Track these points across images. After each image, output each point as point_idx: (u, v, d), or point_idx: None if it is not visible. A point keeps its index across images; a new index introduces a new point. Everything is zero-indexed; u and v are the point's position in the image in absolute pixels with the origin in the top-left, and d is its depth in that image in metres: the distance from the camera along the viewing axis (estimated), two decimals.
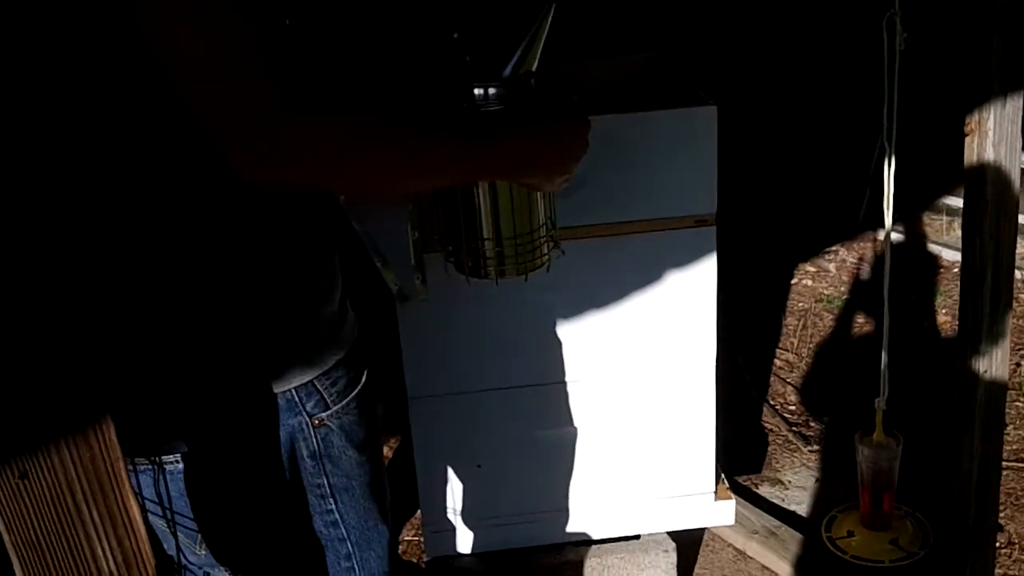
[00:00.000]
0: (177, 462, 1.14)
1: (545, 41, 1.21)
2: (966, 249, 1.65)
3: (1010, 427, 2.75)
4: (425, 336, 1.93)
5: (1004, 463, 2.53)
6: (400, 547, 2.48)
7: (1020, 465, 2.61)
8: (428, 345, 1.95)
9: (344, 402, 1.23)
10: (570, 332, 1.95)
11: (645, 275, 1.92)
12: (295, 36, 1.05)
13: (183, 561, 1.21)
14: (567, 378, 1.99)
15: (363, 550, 1.33)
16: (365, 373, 1.29)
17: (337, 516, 1.28)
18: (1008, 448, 2.65)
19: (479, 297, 1.90)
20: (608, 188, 1.84)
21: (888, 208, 1.82)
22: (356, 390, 1.25)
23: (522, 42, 1.20)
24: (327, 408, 1.21)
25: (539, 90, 1.22)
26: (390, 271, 1.33)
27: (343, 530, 1.29)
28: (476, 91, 1.17)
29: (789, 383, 3.07)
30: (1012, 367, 3.03)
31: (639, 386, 2.01)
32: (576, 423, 2.03)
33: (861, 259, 3.82)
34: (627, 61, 1.93)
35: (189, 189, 1.04)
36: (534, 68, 1.21)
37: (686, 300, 1.94)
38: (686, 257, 1.91)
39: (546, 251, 1.30)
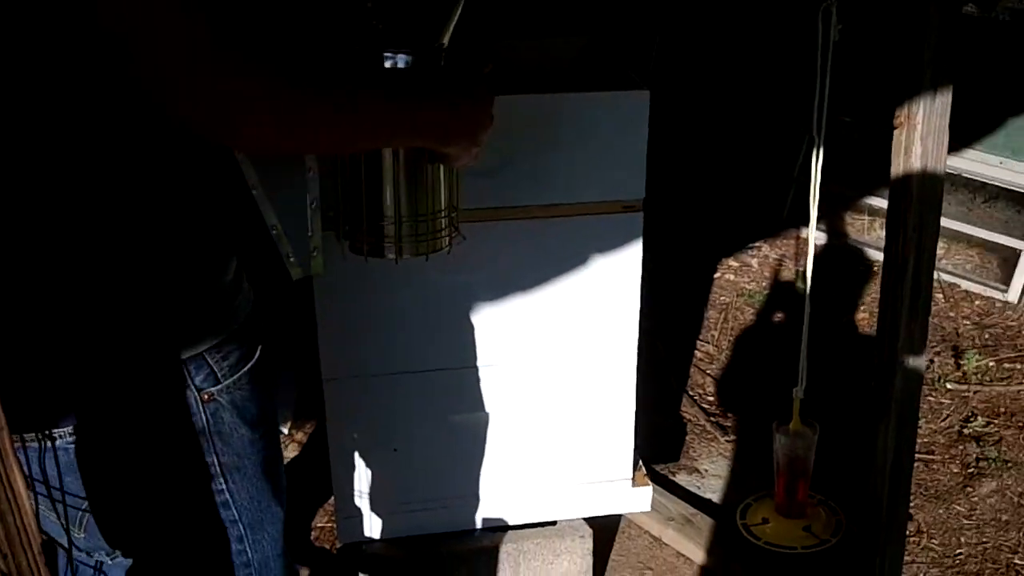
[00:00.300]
0: (65, 436, 1.08)
1: (459, 19, 1.19)
2: (889, 240, 1.66)
3: (922, 421, 2.80)
4: (341, 317, 1.88)
5: (915, 455, 2.59)
6: (313, 533, 2.43)
7: (930, 457, 2.66)
8: (344, 326, 1.89)
9: (235, 376, 1.17)
10: (491, 315, 1.92)
11: (570, 259, 1.89)
12: None
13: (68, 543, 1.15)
14: (487, 362, 1.95)
15: (255, 531, 1.27)
16: (259, 348, 1.23)
17: (228, 496, 1.22)
18: (919, 441, 2.69)
19: (398, 278, 1.85)
20: (536, 169, 1.81)
21: (814, 200, 1.82)
22: (249, 365, 1.20)
23: (436, 16, 1.17)
24: (217, 383, 1.15)
25: (450, 63, 1.18)
26: (286, 242, 1.27)
27: (234, 511, 1.23)
28: (386, 56, 1.13)
29: (708, 374, 3.09)
30: (927, 364, 3.10)
31: (559, 371, 1.98)
32: (495, 408, 1.99)
33: (783, 255, 3.86)
34: (564, 44, 1.89)
35: (72, 151, 0.97)
36: (445, 42, 1.18)
37: (610, 286, 1.92)
38: (612, 242, 1.88)
39: (447, 234, 1.26)
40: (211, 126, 0.93)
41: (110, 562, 1.21)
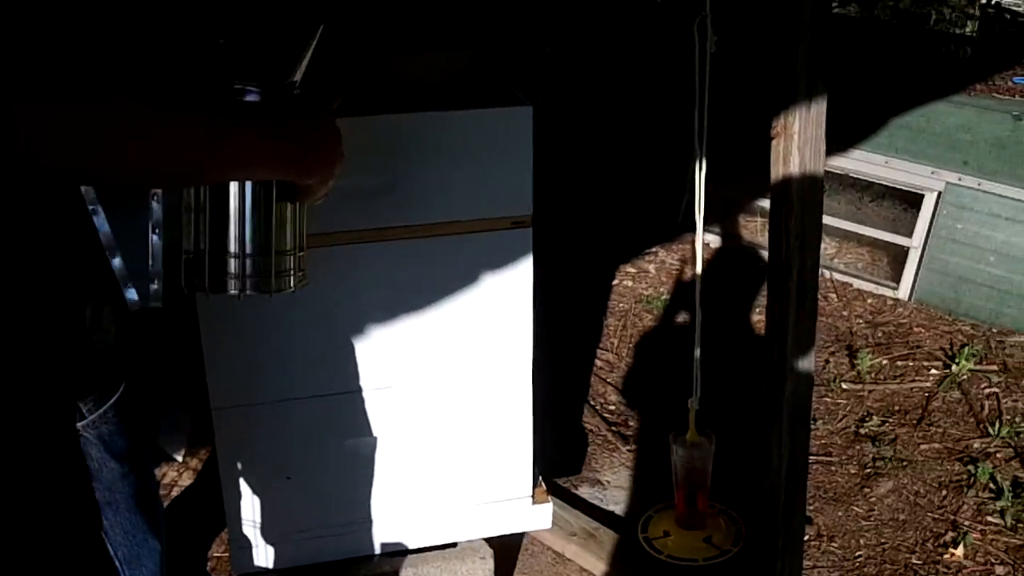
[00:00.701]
0: None
1: (312, 56, 1.16)
2: (772, 249, 1.67)
3: (819, 422, 2.84)
4: (228, 342, 1.82)
5: (812, 457, 2.62)
6: (209, 564, 2.36)
7: (828, 459, 2.70)
8: (231, 352, 1.84)
9: (100, 411, 1.14)
10: (382, 337, 1.88)
11: (460, 277, 1.87)
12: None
13: None
14: (380, 384, 1.91)
15: (132, 567, 1.24)
16: (124, 382, 1.20)
17: (101, 532, 1.18)
18: (816, 442, 2.74)
19: (284, 302, 1.79)
20: (422, 188, 1.78)
21: (699, 209, 1.83)
22: (114, 398, 1.17)
23: (290, 53, 1.14)
24: (82, 418, 1.12)
25: (300, 98, 1.15)
26: (124, 271, 1.22)
27: (109, 547, 1.20)
28: (235, 88, 1.09)
29: (609, 383, 3.09)
30: (821, 364, 3.15)
31: (454, 391, 1.95)
32: (389, 430, 1.96)
33: (681, 260, 3.89)
34: (450, 58, 1.87)
35: None
36: (297, 78, 1.14)
37: (501, 302, 1.90)
38: (502, 258, 1.86)
39: (293, 274, 1.23)
40: (35, 153, 0.87)
41: None
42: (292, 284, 1.23)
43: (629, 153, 4.33)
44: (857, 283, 3.72)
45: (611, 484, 2.62)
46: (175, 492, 2.56)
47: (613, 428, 2.86)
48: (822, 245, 1.78)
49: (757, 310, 3.48)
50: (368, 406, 1.93)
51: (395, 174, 1.77)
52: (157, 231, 1.20)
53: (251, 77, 1.10)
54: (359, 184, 1.74)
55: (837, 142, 3.62)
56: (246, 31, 1.24)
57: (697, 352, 1.97)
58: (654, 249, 3.96)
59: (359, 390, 1.91)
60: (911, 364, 3.17)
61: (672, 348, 3.27)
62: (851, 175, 3.78)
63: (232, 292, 1.18)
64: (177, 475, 2.63)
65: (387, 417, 1.95)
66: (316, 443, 1.94)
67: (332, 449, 1.95)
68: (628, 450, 2.75)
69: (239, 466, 1.94)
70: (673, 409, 2.62)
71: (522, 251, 1.87)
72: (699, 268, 1.87)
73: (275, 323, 1.83)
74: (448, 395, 1.95)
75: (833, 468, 2.67)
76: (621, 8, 4.54)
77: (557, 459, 2.64)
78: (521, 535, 2.34)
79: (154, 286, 1.19)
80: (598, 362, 3.21)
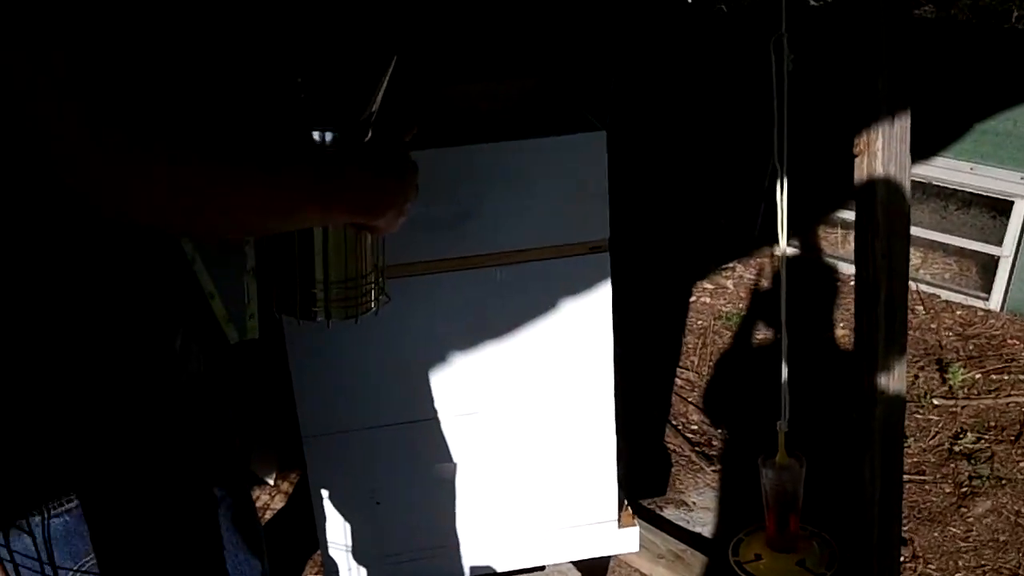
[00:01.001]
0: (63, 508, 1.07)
1: (386, 89, 1.19)
2: (859, 269, 1.65)
3: (910, 439, 2.78)
4: (318, 372, 1.86)
5: (906, 475, 2.56)
6: None
7: (921, 477, 2.64)
8: (321, 381, 1.88)
9: None
10: (465, 364, 1.90)
11: (539, 303, 1.88)
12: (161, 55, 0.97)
13: None
14: (465, 410, 1.93)
15: None
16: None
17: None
18: (909, 461, 2.68)
19: (371, 331, 1.84)
20: (499, 216, 1.80)
21: (782, 229, 1.81)
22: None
23: (366, 83, 1.16)
24: None
25: (377, 134, 1.18)
26: (221, 307, 1.27)
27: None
28: (314, 134, 1.13)
29: (690, 402, 3.07)
30: (911, 379, 3.08)
31: (538, 416, 1.96)
32: (476, 455, 1.97)
33: (759, 274, 3.85)
34: (518, 84, 1.89)
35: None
36: (374, 111, 1.17)
37: (582, 327, 1.90)
38: (580, 284, 1.87)
39: (375, 297, 1.28)
40: (114, 206, 0.88)
41: None
42: (373, 306, 1.27)
43: (703, 167, 4.30)
44: (945, 294, 3.63)
45: (696, 505, 2.60)
46: (268, 515, 2.61)
47: (696, 448, 2.83)
48: None
49: (840, 324, 3.42)
50: (454, 432, 1.95)
51: (471, 203, 1.79)
52: (251, 270, 1.24)
53: (328, 120, 1.13)
54: (437, 214, 1.77)
55: (920, 149, 3.55)
56: (321, 67, 1.27)
57: (785, 373, 1.95)
58: (731, 264, 3.92)
59: (445, 416, 1.93)
60: (1006, 378, 3.08)
61: (753, 365, 3.23)
62: (935, 183, 3.69)
63: (319, 319, 1.22)
64: (269, 498, 2.68)
65: (473, 442, 1.96)
66: (404, 469, 1.96)
67: (420, 474, 1.97)
68: (712, 470, 2.73)
69: (330, 492, 1.97)
70: (756, 427, 2.60)
71: (600, 275, 1.88)
72: (783, 288, 1.85)
73: (361, 352, 1.86)
74: (532, 420, 1.96)
75: (927, 487, 2.61)
76: (690, 25, 4.52)
77: (641, 480, 2.62)
78: (608, 558, 2.34)
79: (252, 322, 1.24)
80: (678, 381, 3.19)
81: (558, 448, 1.99)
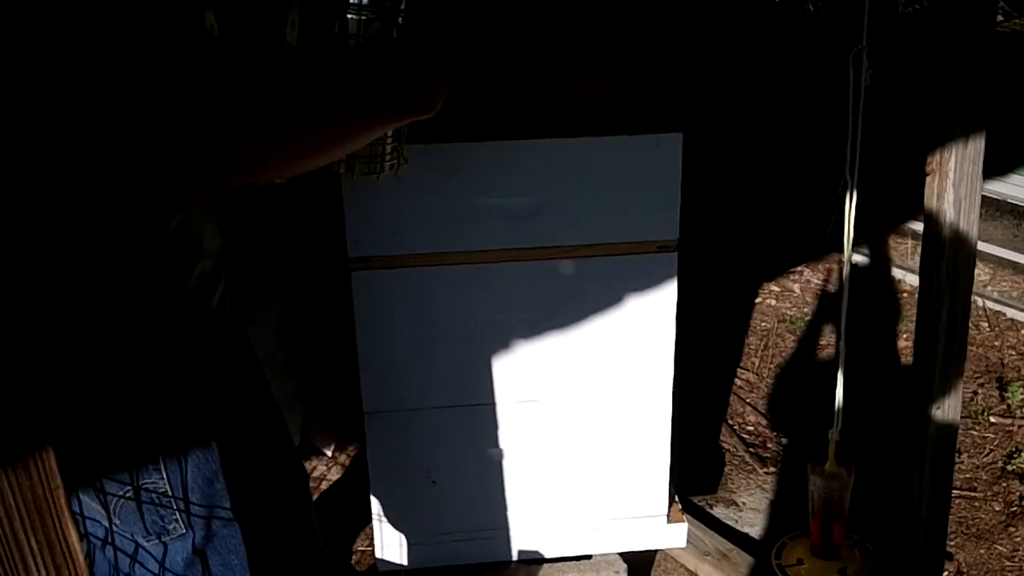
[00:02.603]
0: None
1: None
2: (923, 286, 1.66)
3: (964, 455, 2.77)
4: (381, 351, 1.93)
5: (956, 491, 2.56)
6: (353, 557, 2.47)
7: (971, 494, 2.63)
8: (385, 358, 1.94)
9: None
10: (528, 352, 1.95)
11: (605, 298, 1.92)
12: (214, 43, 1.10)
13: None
14: (524, 397, 1.98)
15: None
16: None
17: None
18: (961, 477, 2.67)
19: (437, 312, 1.90)
20: (572, 210, 1.85)
21: (848, 242, 1.82)
22: None
23: None
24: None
25: (411, 8, 1.27)
26: None
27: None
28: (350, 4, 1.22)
29: (748, 403, 3.08)
30: (969, 395, 3.06)
31: (595, 408, 2.00)
32: (532, 442, 2.02)
33: (826, 280, 3.84)
34: (597, 82, 1.93)
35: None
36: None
37: (645, 325, 1.94)
38: (647, 282, 1.91)
39: (393, 159, 1.37)
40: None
41: (146, 543, 1.27)
42: (390, 168, 1.38)
43: (776, 169, 4.28)
44: (1011, 312, 3.59)
45: (746, 506, 2.62)
46: (324, 486, 2.68)
47: (751, 449, 2.85)
48: (975, 271, 1.75)
49: (904, 336, 3.41)
50: (512, 418, 2.00)
51: (546, 197, 1.83)
52: None
53: None
54: (512, 205, 1.82)
55: (994, 166, 3.50)
56: None
57: (840, 382, 1.97)
58: (799, 268, 3.90)
59: (505, 402, 1.98)
60: None
61: (814, 371, 3.23)
62: (1009, 200, 3.65)
63: (341, 172, 1.35)
64: (326, 469, 2.75)
65: (530, 429, 2.01)
66: (461, 450, 2.02)
67: (476, 457, 2.03)
68: (765, 472, 2.75)
69: (386, 468, 2.03)
70: (813, 434, 2.59)
71: (667, 275, 1.91)
72: (845, 300, 1.87)
73: (426, 333, 1.92)
74: (589, 411, 2.01)
75: (977, 504, 2.60)
76: (768, 28, 4.49)
77: (693, 477, 2.65)
78: (655, 551, 2.37)
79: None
80: (738, 381, 3.20)
81: (613, 441, 2.04)
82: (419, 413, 1.99)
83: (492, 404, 1.98)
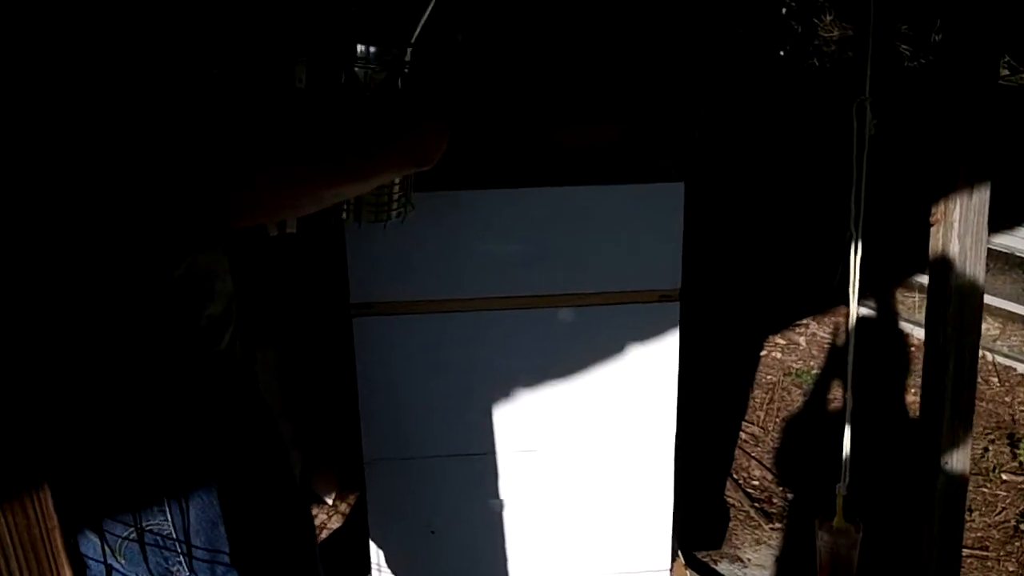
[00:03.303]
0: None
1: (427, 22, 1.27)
2: (929, 337, 1.64)
3: (975, 513, 2.73)
4: (382, 400, 1.91)
5: (968, 550, 2.52)
6: None
7: (983, 553, 2.59)
8: (387, 407, 1.92)
9: None
10: (528, 401, 1.92)
11: (607, 347, 1.90)
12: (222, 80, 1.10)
13: None
14: (524, 447, 1.96)
15: None
16: None
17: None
18: (972, 535, 2.63)
19: (439, 359, 1.88)
20: (573, 258, 1.84)
21: (853, 295, 1.80)
22: None
23: (409, 14, 1.26)
24: None
25: (416, 61, 1.27)
26: None
27: None
28: (358, 47, 1.21)
29: (754, 457, 3.05)
30: (980, 452, 3.02)
31: (596, 458, 1.98)
32: (532, 493, 1.99)
33: (833, 333, 3.81)
34: (601, 130, 1.93)
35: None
36: (412, 41, 1.26)
37: (647, 374, 1.92)
38: (649, 331, 1.89)
39: (400, 206, 1.37)
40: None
41: None
42: (397, 215, 1.37)
43: (781, 222, 4.28)
44: (1022, 368, 3.55)
45: (751, 562, 2.58)
46: (324, 535, 2.65)
47: (756, 504, 2.81)
48: (984, 326, 1.73)
49: (912, 390, 3.37)
50: (513, 468, 1.97)
51: (548, 244, 1.83)
52: None
53: (373, 36, 1.21)
54: (512, 252, 1.81)
55: (1002, 219, 3.50)
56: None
57: (847, 435, 1.93)
58: (805, 321, 3.88)
59: (504, 451, 1.96)
60: None
61: (821, 425, 3.20)
62: (1017, 254, 3.63)
63: (345, 219, 1.34)
64: (327, 518, 2.73)
65: (530, 480, 1.98)
66: (461, 500, 1.99)
67: (476, 507, 2.00)
68: (771, 528, 2.71)
69: (386, 516, 2.01)
70: (820, 489, 2.56)
71: (669, 324, 1.89)
72: (851, 352, 1.84)
73: (428, 381, 1.90)
74: (590, 462, 1.98)
75: (989, 564, 2.55)
76: (769, 80, 4.52)
77: (697, 532, 2.61)
78: None
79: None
80: (743, 435, 3.17)
81: (614, 493, 2.00)
82: (420, 461, 1.96)
83: (492, 453, 1.96)
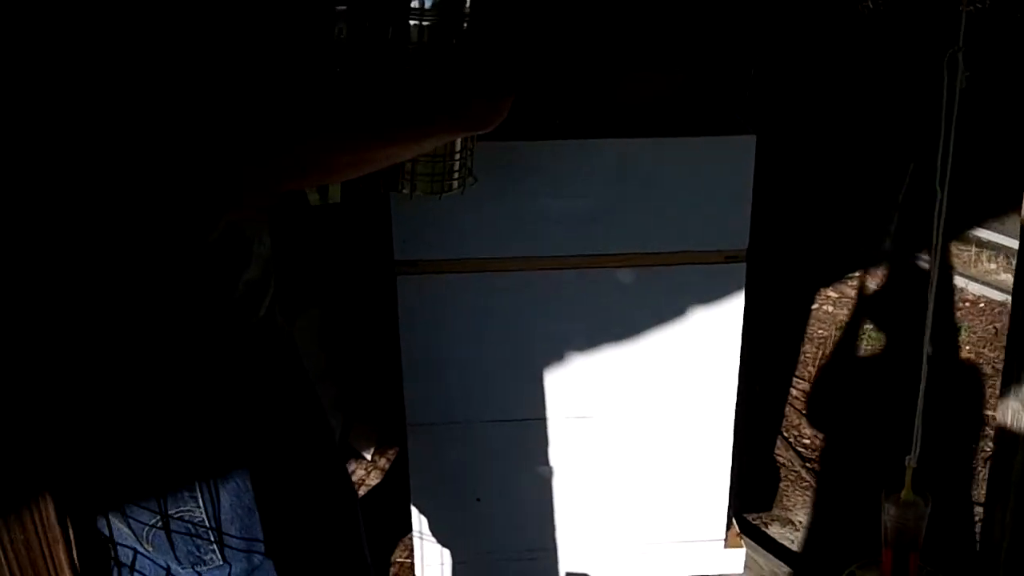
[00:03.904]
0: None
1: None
2: (1015, 304, 1.52)
3: None
4: (427, 362, 1.83)
5: None
6: (392, 569, 2.38)
7: None
8: (431, 370, 1.85)
9: None
10: (583, 365, 1.84)
11: (667, 310, 1.81)
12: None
13: None
14: (578, 413, 1.88)
15: None
16: None
17: None
18: None
19: (487, 321, 1.79)
20: (633, 216, 1.73)
21: (936, 255, 1.69)
22: None
23: None
24: None
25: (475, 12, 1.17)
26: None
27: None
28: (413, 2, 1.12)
29: (804, 414, 2.95)
30: None
31: (653, 426, 1.89)
32: (585, 460, 1.92)
33: (888, 287, 3.69)
34: (663, 79, 1.81)
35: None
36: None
37: (708, 339, 1.82)
38: (712, 294, 1.79)
39: (461, 176, 1.29)
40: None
41: (181, 572, 1.21)
42: (458, 186, 1.29)
43: (836, 175, 4.14)
44: None
45: (802, 525, 2.50)
46: (362, 491, 2.60)
47: (807, 464, 2.72)
48: None
49: (967, 347, 3.26)
50: (564, 434, 1.89)
51: (606, 201, 1.72)
52: None
53: None
54: (568, 209, 1.71)
55: None
56: None
57: (920, 404, 1.83)
58: (858, 273, 3.76)
59: (556, 418, 1.88)
60: None
61: (873, 380, 3.09)
62: None
63: (404, 191, 1.26)
64: (365, 473, 2.67)
65: (582, 446, 1.91)
66: (509, 467, 1.93)
67: (525, 474, 1.93)
68: (822, 490, 2.62)
69: (429, 482, 1.94)
70: (868, 447, 2.48)
71: (734, 287, 1.79)
72: (929, 318, 1.73)
73: (475, 343, 1.82)
74: (646, 430, 1.90)
75: None
76: (826, 28, 4.35)
77: (748, 493, 2.53)
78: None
79: (334, 187, 1.29)
80: (793, 391, 3.07)
81: (670, 460, 1.93)
82: (465, 427, 1.89)
83: (543, 419, 1.88)
